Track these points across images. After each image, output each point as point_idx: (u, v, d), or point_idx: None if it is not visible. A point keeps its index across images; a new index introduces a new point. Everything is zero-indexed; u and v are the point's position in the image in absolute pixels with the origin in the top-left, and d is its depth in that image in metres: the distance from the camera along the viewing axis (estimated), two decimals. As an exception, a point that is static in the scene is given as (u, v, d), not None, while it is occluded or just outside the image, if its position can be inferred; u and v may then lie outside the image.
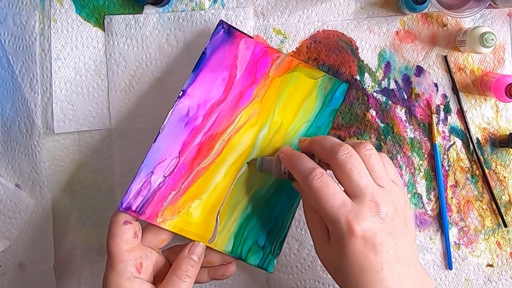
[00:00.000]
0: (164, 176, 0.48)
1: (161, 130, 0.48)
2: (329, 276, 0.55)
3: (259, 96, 0.51)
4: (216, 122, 0.50)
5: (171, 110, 0.48)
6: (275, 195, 0.51)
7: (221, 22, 0.51)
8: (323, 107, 0.53)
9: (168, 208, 0.48)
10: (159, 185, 0.48)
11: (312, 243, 0.44)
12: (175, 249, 0.48)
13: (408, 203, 0.44)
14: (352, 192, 0.39)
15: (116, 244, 0.44)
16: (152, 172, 0.47)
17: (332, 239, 0.40)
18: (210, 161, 0.49)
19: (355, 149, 0.41)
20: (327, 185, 0.39)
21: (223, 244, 0.49)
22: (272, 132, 0.51)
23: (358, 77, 0.55)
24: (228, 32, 0.51)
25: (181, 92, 0.49)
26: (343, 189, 0.40)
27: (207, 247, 0.48)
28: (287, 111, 0.52)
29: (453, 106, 0.55)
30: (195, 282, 0.48)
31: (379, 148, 0.55)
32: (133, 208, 0.46)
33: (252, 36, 0.54)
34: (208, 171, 0.49)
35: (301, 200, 0.49)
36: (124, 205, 0.46)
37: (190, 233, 0.48)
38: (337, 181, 0.41)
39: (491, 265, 0.55)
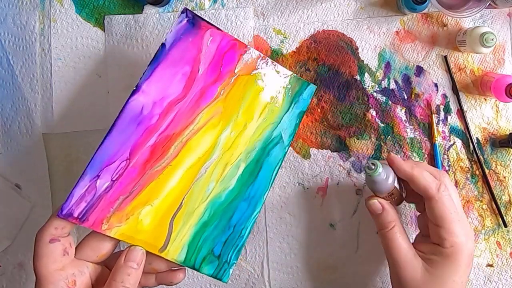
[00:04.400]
0: (112, 180, 0.43)
1: (109, 131, 0.43)
2: (329, 276, 0.55)
3: (223, 94, 0.47)
4: (173, 122, 0.45)
5: (122, 108, 0.44)
6: (235, 201, 0.47)
7: (185, 10, 0.46)
8: (290, 108, 0.50)
9: (115, 214, 0.43)
10: (105, 189, 0.43)
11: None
12: (116, 255, 0.44)
13: None
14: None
15: (43, 265, 0.40)
16: (98, 176, 0.43)
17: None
18: (164, 164, 0.45)
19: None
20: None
21: (175, 253, 0.45)
22: (235, 134, 0.47)
23: (358, 77, 0.55)
24: (192, 22, 0.46)
25: (135, 88, 0.44)
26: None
27: (152, 254, 0.44)
28: (252, 111, 0.48)
29: (453, 106, 0.55)
30: (143, 287, 0.45)
31: (379, 148, 0.55)
32: (75, 215, 0.42)
33: (252, 35, 0.54)
34: (161, 175, 0.45)
35: (262, 207, 0.50)
36: (64, 212, 0.42)
37: (139, 241, 0.44)
38: None
39: (491, 265, 0.54)
